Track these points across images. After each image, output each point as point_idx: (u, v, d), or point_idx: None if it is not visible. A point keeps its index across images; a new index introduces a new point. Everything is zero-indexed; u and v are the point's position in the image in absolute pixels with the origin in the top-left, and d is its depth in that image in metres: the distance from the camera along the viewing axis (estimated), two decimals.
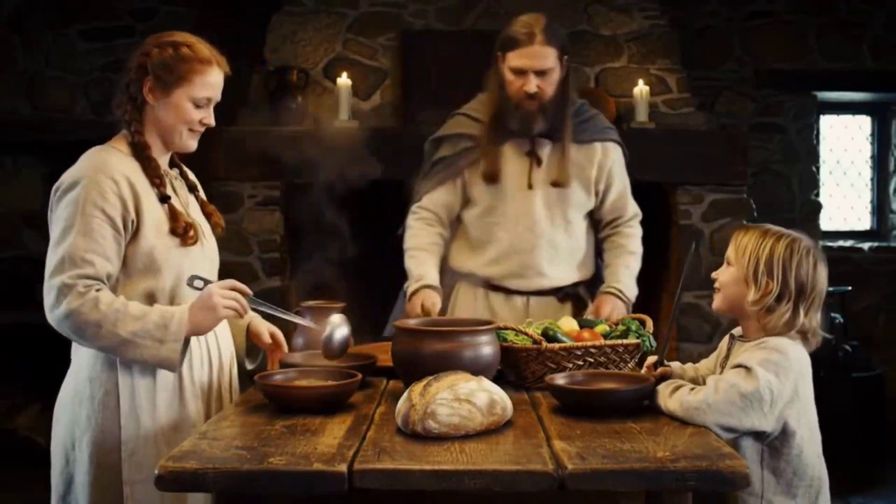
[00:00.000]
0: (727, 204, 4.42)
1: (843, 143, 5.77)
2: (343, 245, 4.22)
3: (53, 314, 2.01)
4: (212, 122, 2.21)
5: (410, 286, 2.80)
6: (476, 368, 2.06)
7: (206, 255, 2.26)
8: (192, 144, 2.23)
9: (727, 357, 2.13)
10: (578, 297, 2.98)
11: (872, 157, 5.78)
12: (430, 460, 1.66)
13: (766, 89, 5.32)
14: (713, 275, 2.15)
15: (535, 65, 2.74)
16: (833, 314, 4.78)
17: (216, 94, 2.20)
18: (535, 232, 2.86)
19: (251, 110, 4.51)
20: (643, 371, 2.21)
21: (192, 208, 2.28)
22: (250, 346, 2.39)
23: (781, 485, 2.00)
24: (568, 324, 2.49)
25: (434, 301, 2.75)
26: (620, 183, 2.97)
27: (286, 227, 4.41)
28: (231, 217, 4.31)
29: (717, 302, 2.14)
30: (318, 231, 4.12)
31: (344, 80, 4.39)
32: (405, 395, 1.89)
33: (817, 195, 5.47)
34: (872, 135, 5.78)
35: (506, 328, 2.36)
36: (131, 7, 5.14)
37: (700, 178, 4.40)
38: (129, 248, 2.08)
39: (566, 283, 2.93)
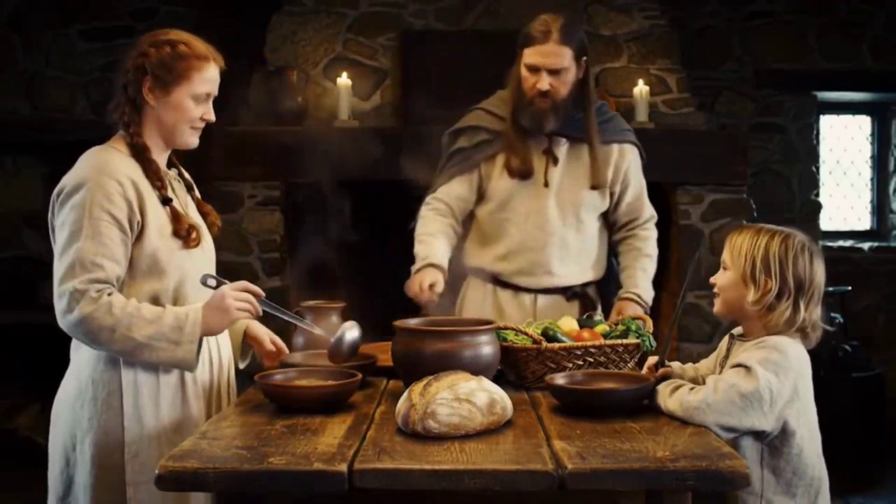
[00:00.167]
0: (727, 204, 4.43)
1: (843, 143, 5.77)
2: (343, 244, 4.23)
3: (66, 320, 1.99)
4: (212, 117, 2.21)
5: (415, 266, 2.79)
6: (476, 368, 2.06)
7: (206, 256, 2.26)
8: (194, 141, 2.23)
9: (727, 357, 2.13)
10: (587, 297, 2.98)
11: (872, 157, 5.78)
12: (430, 460, 1.66)
13: (766, 89, 5.33)
14: (711, 280, 2.15)
15: (548, 63, 2.74)
16: (833, 314, 4.78)
17: (214, 89, 2.20)
18: (545, 230, 2.87)
19: (251, 110, 4.51)
20: (644, 372, 2.21)
21: (190, 208, 2.28)
22: (243, 346, 2.40)
23: (781, 484, 2.00)
24: (568, 324, 2.49)
25: (435, 279, 2.73)
26: (637, 185, 2.97)
27: (286, 227, 4.41)
28: (231, 217, 4.32)
29: (718, 306, 2.14)
30: (318, 231, 4.12)
31: (344, 80, 4.39)
32: (405, 394, 1.89)
33: (817, 195, 5.47)
34: (872, 135, 5.79)
35: (506, 328, 2.36)
36: (131, 7, 5.15)
37: (700, 178, 4.41)
38: (134, 249, 2.08)
39: (575, 282, 2.93)
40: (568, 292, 2.94)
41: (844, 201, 5.80)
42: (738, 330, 2.17)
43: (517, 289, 2.93)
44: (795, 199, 5.39)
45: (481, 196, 2.93)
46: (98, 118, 4.91)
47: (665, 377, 2.12)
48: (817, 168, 5.50)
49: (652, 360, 2.21)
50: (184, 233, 2.15)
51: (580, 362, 2.32)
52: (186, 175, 2.35)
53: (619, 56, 4.63)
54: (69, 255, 2.00)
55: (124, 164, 2.10)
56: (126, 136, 2.15)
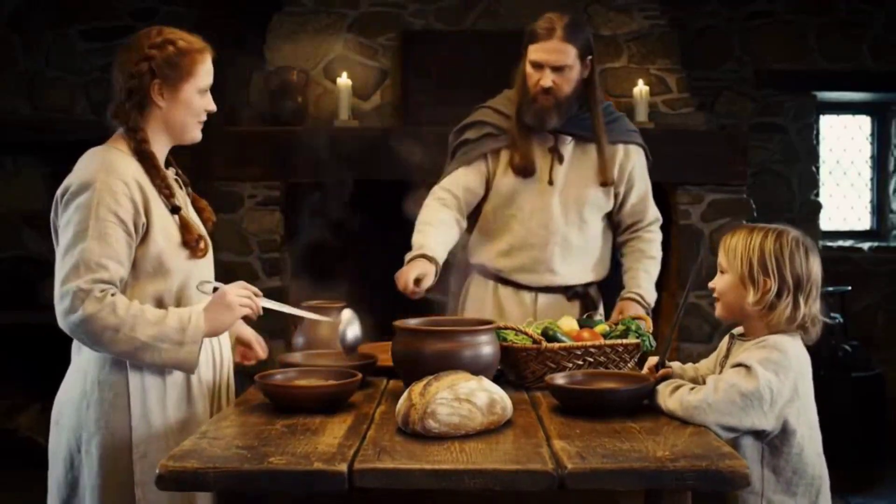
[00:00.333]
0: (727, 204, 4.43)
1: (843, 143, 5.77)
2: (343, 244, 4.23)
3: (68, 320, 1.98)
4: (214, 107, 2.23)
5: (408, 254, 2.73)
6: (476, 368, 2.07)
7: (207, 256, 2.26)
8: (199, 135, 2.23)
9: (727, 356, 2.13)
10: (588, 297, 2.98)
11: (872, 157, 5.79)
12: (430, 460, 1.66)
13: (766, 89, 5.33)
14: (710, 285, 2.15)
15: (551, 59, 2.75)
16: (833, 314, 4.79)
17: (212, 80, 2.22)
18: (548, 228, 2.87)
19: (251, 110, 4.51)
20: (645, 372, 2.21)
21: (188, 208, 2.28)
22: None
23: (781, 483, 2.00)
24: (568, 324, 2.49)
25: (423, 272, 2.64)
26: (642, 187, 2.97)
27: (286, 227, 4.41)
28: (231, 217, 4.33)
29: (720, 310, 2.14)
30: (318, 231, 4.13)
31: (344, 80, 4.40)
32: (405, 394, 1.89)
33: (817, 195, 5.47)
34: (872, 135, 5.79)
35: (506, 328, 2.36)
36: (131, 7, 5.15)
37: (700, 178, 4.41)
38: (139, 251, 2.07)
39: (577, 282, 2.93)
40: (569, 292, 2.94)
41: (844, 201, 5.80)
42: (738, 330, 2.17)
43: (518, 286, 2.93)
44: (795, 199, 5.40)
45: (488, 190, 2.93)
46: (98, 118, 4.93)
47: (665, 377, 2.12)
48: (817, 168, 5.50)
49: (652, 360, 2.20)
50: (193, 243, 2.16)
51: (580, 362, 2.32)
52: (182, 174, 2.36)
53: (619, 56, 4.63)
54: (74, 255, 1.98)
55: (129, 166, 2.10)
56: (131, 140, 2.14)
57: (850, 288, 5.01)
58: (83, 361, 2.10)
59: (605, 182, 2.87)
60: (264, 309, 2.21)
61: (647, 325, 2.46)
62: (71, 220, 2.02)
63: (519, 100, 2.85)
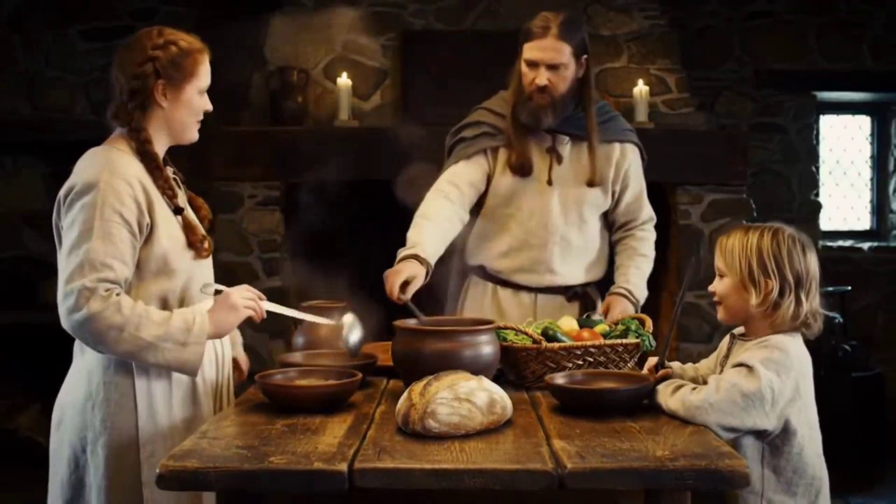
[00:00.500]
0: (727, 204, 4.43)
1: (843, 143, 5.77)
2: (342, 244, 4.23)
3: (72, 318, 1.97)
4: (211, 107, 2.24)
5: (401, 252, 2.65)
6: (476, 368, 2.07)
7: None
8: (196, 135, 2.24)
9: (727, 356, 2.13)
10: (587, 297, 2.98)
11: (872, 157, 5.79)
12: (430, 459, 1.67)
13: (766, 89, 5.33)
14: (710, 289, 2.15)
15: (545, 58, 2.75)
16: (833, 314, 4.79)
17: (210, 80, 2.23)
18: (548, 228, 2.87)
19: (251, 110, 4.51)
20: (644, 373, 2.21)
21: (187, 207, 2.28)
22: None
23: (781, 483, 2.00)
24: (568, 323, 2.49)
25: (413, 274, 2.53)
26: (636, 185, 2.97)
27: (286, 227, 4.41)
28: (231, 217, 4.33)
29: (722, 314, 2.13)
30: (318, 230, 4.13)
31: (344, 80, 4.40)
32: (405, 394, 1.89)
33: (817, 195, 5.47)
34: (872, 135, 5.79)
35: (506, 328, 2.36)
36: (131, 7, 5.15)
37: (700, 178, 4.41)
38: (143, 250, 2.07)
39: (576, 281, 2.93)
40: (569, 292, 2.94)
41: (844, 201, 5.80)
42: (738, 330, 2.17)
43: (518, 287, 2.93)
44: (795, 199, 5.40)
45: (487, 189, 2.92)
46: (98, 118, 4.92)
47: (665, 378, 2.12)
48: (817, 168, 5.50)
49: (652, 360, 2.20)
50: (198, 243, 2.16)
51: (580, 362, 2.32)
52: (179, 173, 2.36)
53: (619, 56, 4.63)
54: (79, 254, 1.98)
55: (132, 166, 2.10)
56: (134, 140, 2.13)
57: (849, 288, 5.01)
58: (87, 362, 2.10)
59: (591, 182, 2.87)
60: (267, 312, 2.22)
61: (648, 325, 2.46)
62: (75, 219, 2.01)
63: (514, 99, 2.85)
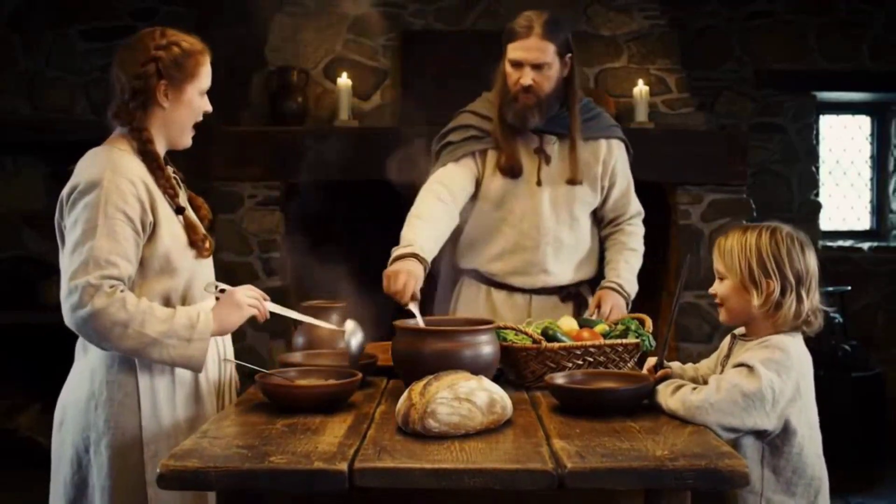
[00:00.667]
0: (727, 204, 4.43)
1: (843, 143, 5.77)
2: (342, 244, 4.22)
3: (76, 315, 1.96)
4: (210, 108, 2.24)
5: (396, 250, 2.60)
6: (476, 368, 2.07)
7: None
8: (190, 141, 2.25)
9: (728, 356, 2.13)
10: (581, 296, 2.98)
11: (872, 157, 5.79)
12: (431, 459, 1.67)
13: (765, 89, 5.33)
14: (710, 291, 2.15)
15: (530, 57, 2.74)
16: (833, 314, 4.79)
17: (210, 81, 2.23)
18: (540, 230, 2.86)
19: (251, 110, 4.51)
20: (644, 372, 2.21)
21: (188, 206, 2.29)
22: None
23: (781, 483, 2.00)
24: (567, 323, 2.49)
25: (414, 274, 2.49)
26: (624, 180, 2.97)
27: (286, 227, 4.41)
28: (231, 217, 4.33)
29: (724, 316, 2.13)
30: (318, 230, 4.13)
31: (344, 80, 4.40)
32: (405, 394, 1.89)
33: (817, 195, 5.48)
34: (872, 135, 5.79)
35: (506, 328, 2.37)
36: (131, 7, 5.15)
37: (700, 178, 4.41)
38: (146, 249, 2.08)
39: (569, 281, 2.93)
40: (563, 292, 2.94)
41: (844, 201, 5.80)
42: (739, 330, 2.16)
43: (512, 289, 2.92)
44: (795, 199, 5.40)
45: (476, 193, 2.91)
46: (98, 118, 4.93)
47: (665, 378, 2.12)
48: (817, 168, 5.50)
49: (651, 360, 2.20)
50: (200, 242, 2.17)
51: (580, 362, 2.32)
52: (178, 172, 2.36)
53: (619, 56, 4.63)
54: (83, 252, 1.98)
55: (134, 165, 2.10)
56: (135, 140, 2.14)
57: (849, 288, 5.01)
58: (90, 362, 2.10)
59: (572, 181, 2.86)
60: (270, 313, 2.22)
61: (647, 324, 2.46)
62: (79, 218, 2.01)
63: (500, 100, 2.84)
